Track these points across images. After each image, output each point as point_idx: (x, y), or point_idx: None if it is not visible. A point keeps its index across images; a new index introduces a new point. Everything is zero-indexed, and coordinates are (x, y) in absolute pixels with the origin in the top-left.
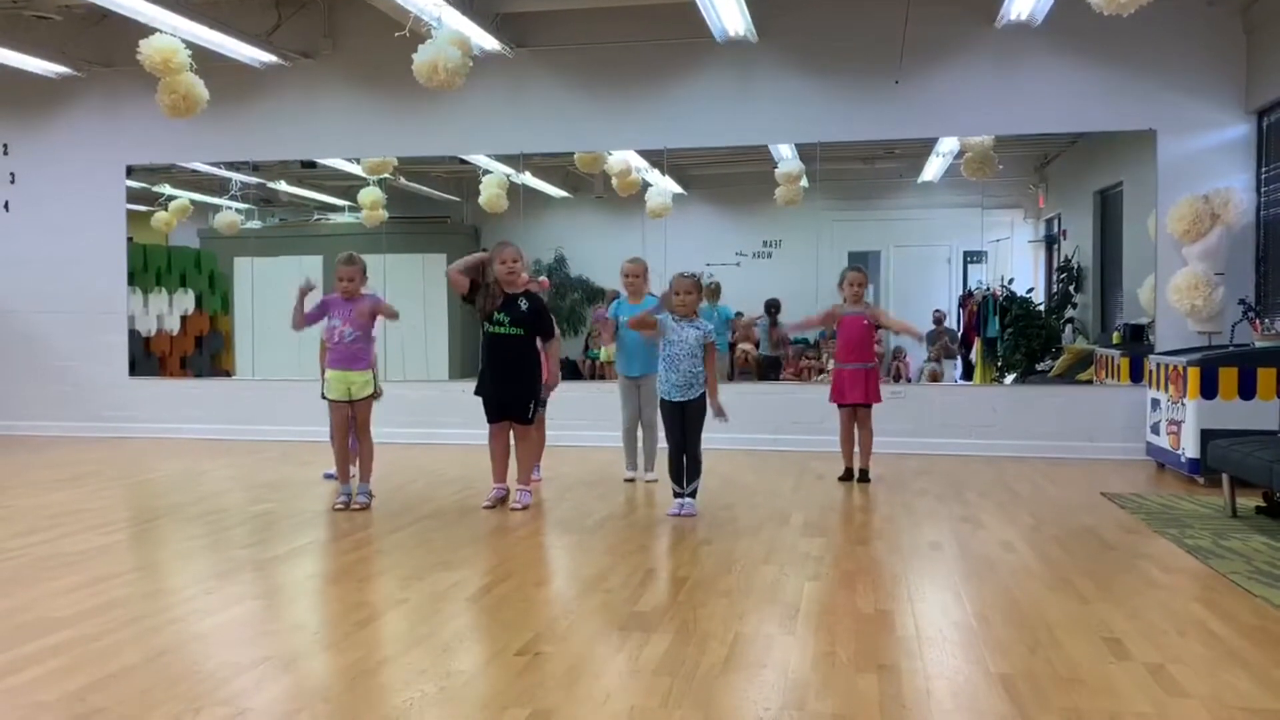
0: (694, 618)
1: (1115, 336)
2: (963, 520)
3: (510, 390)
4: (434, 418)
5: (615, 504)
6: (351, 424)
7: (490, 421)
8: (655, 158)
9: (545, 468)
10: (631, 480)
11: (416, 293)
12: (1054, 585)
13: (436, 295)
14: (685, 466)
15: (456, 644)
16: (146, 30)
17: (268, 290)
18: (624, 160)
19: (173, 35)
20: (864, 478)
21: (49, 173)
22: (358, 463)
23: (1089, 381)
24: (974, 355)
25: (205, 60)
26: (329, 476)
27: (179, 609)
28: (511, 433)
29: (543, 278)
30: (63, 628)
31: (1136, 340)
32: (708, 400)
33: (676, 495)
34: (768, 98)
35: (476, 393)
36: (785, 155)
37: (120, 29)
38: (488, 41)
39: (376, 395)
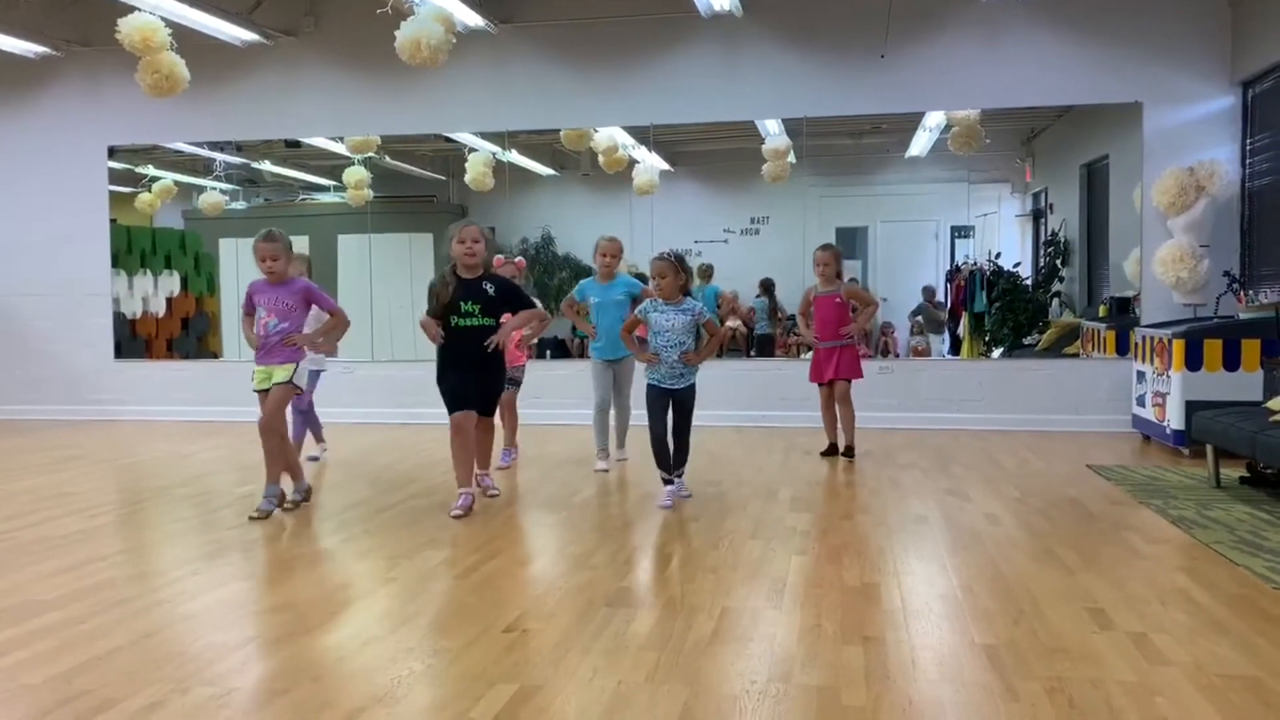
0: (681, 593)
1: (1101, 310)
2: (949, 493)
3: (483, 385)
4: (421, 398)
5: (602, 482)
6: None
7: (454, 409)
8: (641, 134)
9: (531, 446)
10: (605, 471)
11: (404, 272)
12: (1039, 557)
13: (423, 274)
14: (674, 451)
15: (444, 621)
16: (125, 9)
17: (253, 271)
18: (610, 137)
19: (152, 14)
20: (848, 453)
21: (30, 154)
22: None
23: (1075, 355)
24: (961, 330)
25: (186, 39)
26: (311, 459)
27: (165, 591)
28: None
29: (519, 258)
30: (49, 610)
31: (1122, 313)
32: (688, 355)
33: (666, 483)
34: (754, 73)
35: (440, 385)
36: (772, 131)
37: (99, 7)
38: (471, 18)
39: (296, 389)
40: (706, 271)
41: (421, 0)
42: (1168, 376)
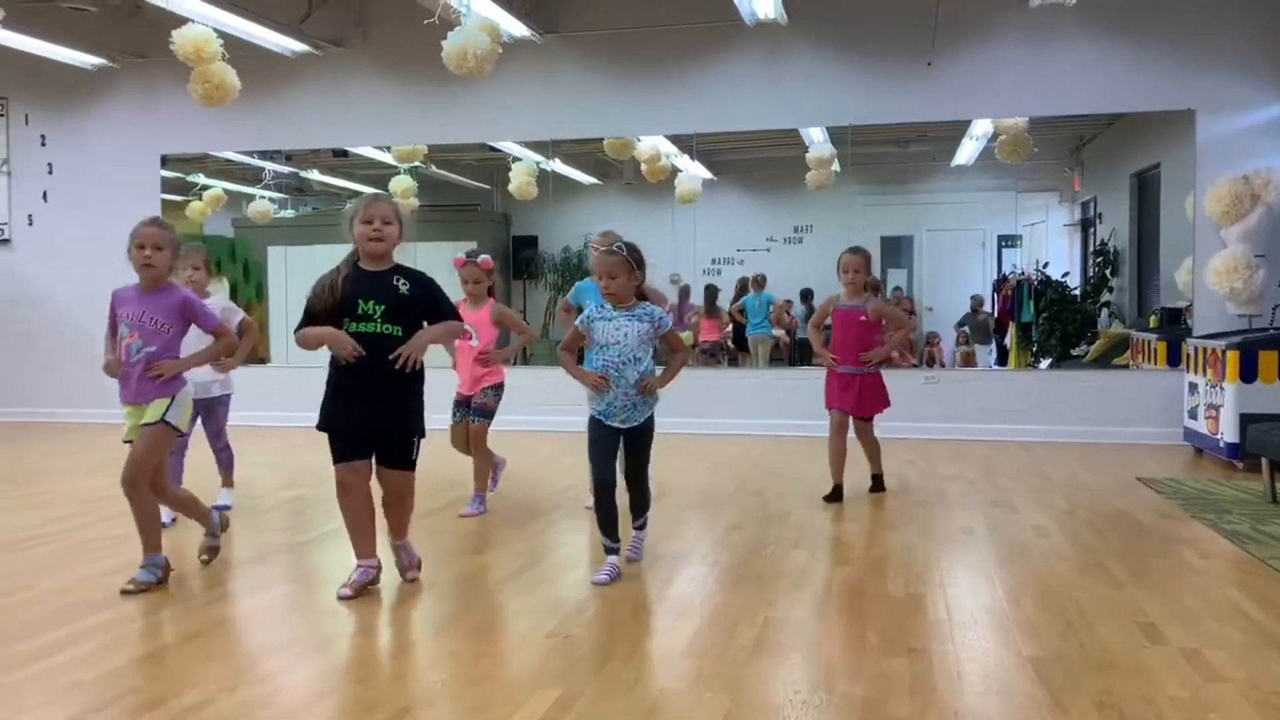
0: (723, 602)
1: (1152, 320)
2: (995, 505)
3: (379, 416)
4: None
5: None
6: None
7: (339, 460)
8: (685, 143)
9: (574, 450)
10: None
11: (448, 278)
12: (1087, 570)
13: None
14: (631, 502)
15: (486, 627)
16: (180, 20)
17: (301, 278)
18: (653, 146)
19: (205, 25)
20: (878, 484)
21: (85, 163)
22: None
23: (1125, 366)
24: (1008, 340)
25: (237, 50)
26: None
27: (213, 592)
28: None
29: (484, 257)
30: (100, 610)
31: (1174, 324)
32: (649, 380)
33: (610, 551)
34: (798, 81)
35: (321, 426)
36: (816, 139)
37: (154, 20)
38: (517, 28)
39: (175, 430)
40: (760, 281)
41: (468, 11)
42: (1221, 388)
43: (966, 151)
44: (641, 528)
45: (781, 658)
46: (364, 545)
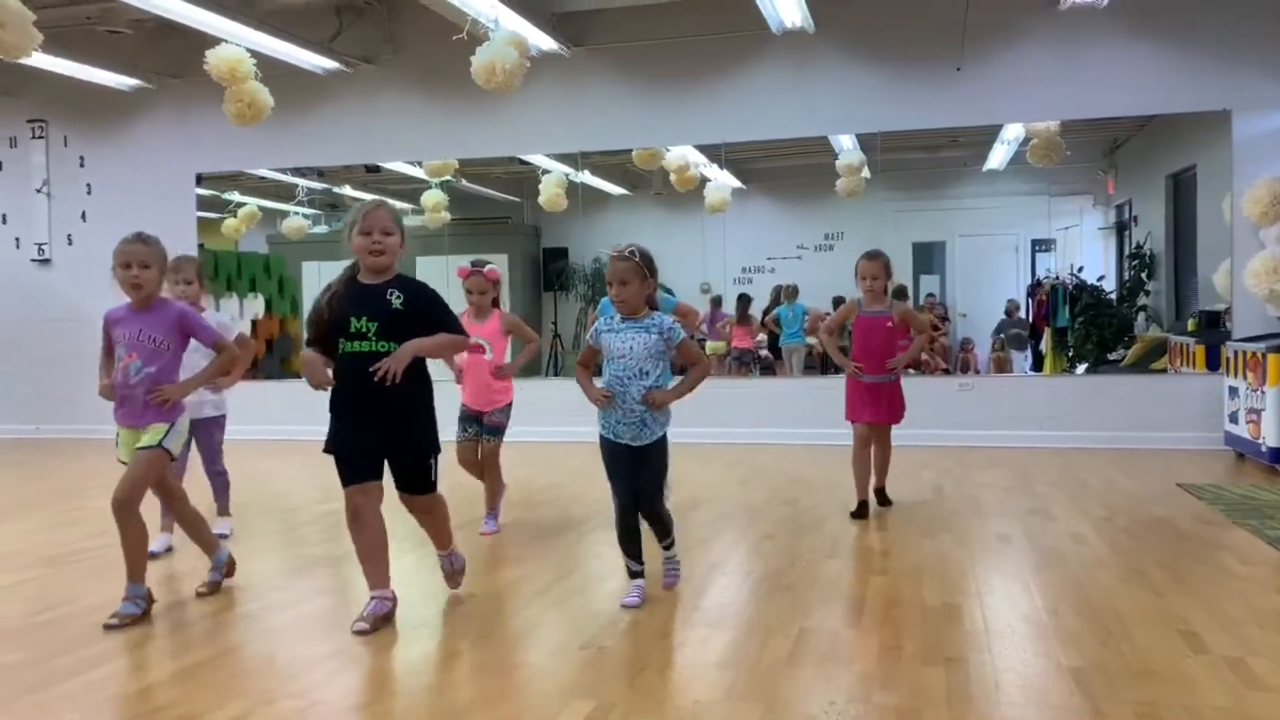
0: (757, 612)
1: (1190, 324)
2: (1032, 512)
3: (387, 439)
4: None
5: (675, 500)
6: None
7: (348, 483)
8: (713, 152)
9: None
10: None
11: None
12: (1127, 577)
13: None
14: (652, 529)
15: (521, 638)
16: (213, 41)
17: None
18: (682, 156)
19: (238, 45)
20: (883, 500)
21: (123, 183)
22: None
23: (1163, 370)
24: (1044, 345)
25: (270, 69)
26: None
27: (251, 604)
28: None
29: (490, 266)
30: (139, 624)
31: (1212, 327)
32: (653, 394)
33: (634, 576)
34: (827, 88)
35: (327, 448)
36: (846, 146)
37: (188, 41)
38: (545, 41)
39: (169, 455)
40: (792, 291)
41: (496, 26)
42: (1263, 392)
43: (998, 156)
44: (669, 548)
45: (816, 668)
46: (377, 575)
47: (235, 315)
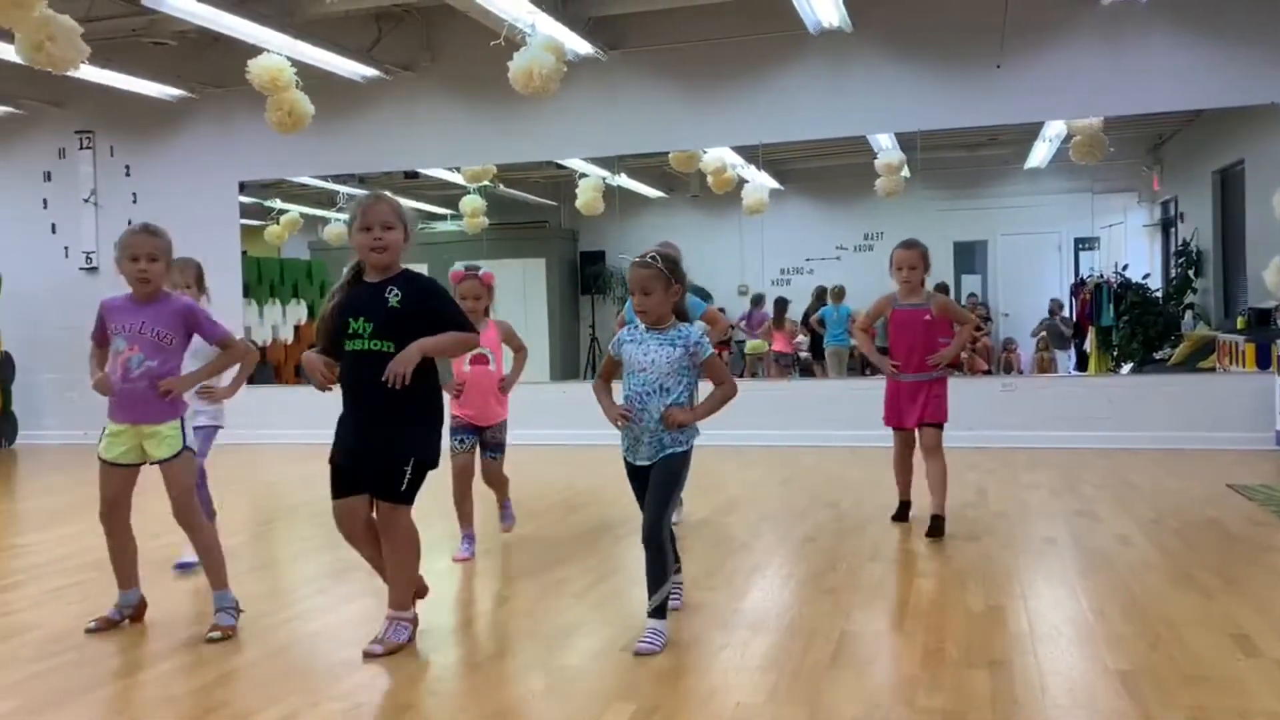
0: (799, 615)
1: (1239, 321)
2: (1078, 514)
3: (368, 443)
4: (534, 419)
5: (715, 502)
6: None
7: (336, 496)
8: (750, 154)
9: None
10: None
11: (517, 295)
12: (1176, 580)
13: (536, 297)
14: (647, 564)
15: (563, 640)
16: (255, 51)
17: None
18: (719, 158)
19: (279, 54)
20: (936, 527)
21: (167, 192)
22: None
23: (1211, 369)
24: (1088, 345)
25: (310, 77)
26: (183, 566)
27: (295, 608)
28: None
29: (484, 270)
30: (187, 626)
31: (1263, 325)
32: (672, 411)
33: (654, 615)
34: (865, 87)
35: (331, 459)
36: (885, 145)
37: (230, 51)
38: (581, 46)
39: (193, 451)
40: (839, 293)
41: (533, 31)
42: None
43: (1040, 154)
44: (657, 614)
45: (859, 671)
46: (393, 592)
47: (279, 321)
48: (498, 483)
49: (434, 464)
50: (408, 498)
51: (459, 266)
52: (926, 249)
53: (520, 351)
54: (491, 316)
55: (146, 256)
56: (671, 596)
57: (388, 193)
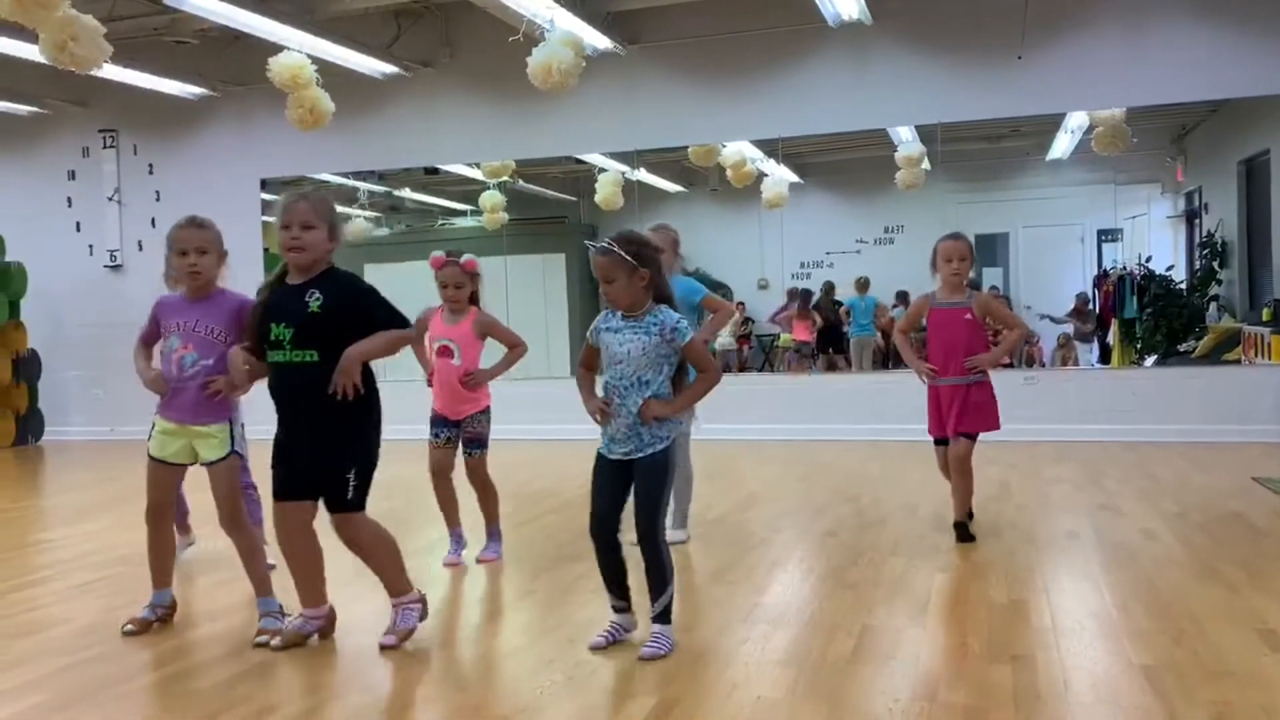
0: (820, 609)
1: (1265, 313)
2: (1101, 508)
3: (305, 455)
4: (553, 414)
5: (734, 498)
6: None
7: (277, 498)
8: (770, 147)
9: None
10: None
11: (537, 290)
12: (1200, 574)
13: (556, 291)
14: (645, 566)
15: (584, 634)
16: (275, 49)
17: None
18: (738, 152)
19: (299, 52)
20: (963, 534)
21: (190, 189)
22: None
23: (1236, 361)
24: (1111, 337)
25: (330, 74)
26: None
27: None
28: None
29: (467, 257)
30: (213, 620)
31: None
32: (649, 404)
33: (618, 610)
34: (885, 80)
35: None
36: (905, 138)
37: (251, 49)
38: (600, 41)
39: (241, 455)
40: (863, 284)
41: (551, 27)
42: None
43: (1061, 145)
44: (661, 619)
45: (880, 666)
46: (390, 583)
47: None
48: (481, 487)
49: (375, 463)
50: (358, 504)
51: (439, 253)
52: (971, 242)
53: (515, 348)
54: (479, 305)
55: (196, 250)
56: (598, 634)
57: (320, 192)
